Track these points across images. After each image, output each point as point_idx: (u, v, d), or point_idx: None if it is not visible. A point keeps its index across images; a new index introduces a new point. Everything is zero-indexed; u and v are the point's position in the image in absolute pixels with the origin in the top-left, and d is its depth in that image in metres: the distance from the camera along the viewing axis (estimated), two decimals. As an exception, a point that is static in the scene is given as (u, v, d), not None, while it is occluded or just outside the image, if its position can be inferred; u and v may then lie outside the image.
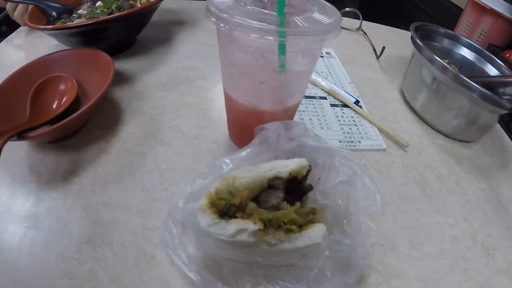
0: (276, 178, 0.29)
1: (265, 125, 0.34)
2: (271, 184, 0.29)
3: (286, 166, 0.30)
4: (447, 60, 0.63)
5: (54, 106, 0.49)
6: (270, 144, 0.33)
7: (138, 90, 0.56)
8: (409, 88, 0.62)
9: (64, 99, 0.49)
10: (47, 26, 0.55)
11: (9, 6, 0.78)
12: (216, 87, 0.58)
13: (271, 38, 0.28)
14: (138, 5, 0.66)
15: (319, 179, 0.32)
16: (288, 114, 0.41)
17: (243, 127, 0.43)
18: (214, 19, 0.30)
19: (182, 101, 0.55)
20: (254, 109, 0.38)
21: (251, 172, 0.29)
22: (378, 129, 0.55)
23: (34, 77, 0.49)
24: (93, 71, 0.51)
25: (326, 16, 0.32)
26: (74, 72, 0.51)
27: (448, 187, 0.48)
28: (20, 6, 0.78)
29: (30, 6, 0.67)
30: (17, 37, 0.79)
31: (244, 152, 0.32)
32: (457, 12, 1.30)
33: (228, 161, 0.32)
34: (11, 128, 0.39)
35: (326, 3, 0.36)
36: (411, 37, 0.59)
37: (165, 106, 0.54)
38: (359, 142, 0.52)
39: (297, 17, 0.31)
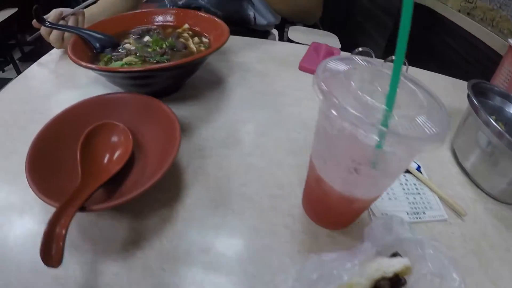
0: (383, 278, 0.30)
1: (372, 224, 0.34)
2: (377, 285, 0.30)
3: (391, 266, 0.30)
4: (494, 117, 0.61)
5: (106, 160, 0.45)
6: (375, 241, 0.33)
7: (197, 145, 0.53)
8: (461, 148, 0.60)
9: (117, 154, 0.45)
10: (94, 66, 0.51)
11: (43, 29, 0.76)
12: (281, 148, 0.55)
13: (371, 135, 0.27)
14: (190, 43, 0.64)
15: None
16: (374, 201, 0.40)
17: (328, 209, 0.41)
18: (321, 97, 0.29)
19: (247, 162, 0.52)
20: (345, 196, 0.36)
21: (362, 277, 0.29)
22: (438, 197, 0.53)
23: (82, 123, 0.46)
24: (149, 121, 0.48)
25: (432, 121, 0.30)
26: (126, 119, 0.48)
27: (500, 255, 0.45)
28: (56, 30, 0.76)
29: (72, 35, 0.65)
30: (51, 60, 0.78)
31: (356, 260, 0.31)
32: (494, 56, 1.29)
33: (345, 273, 0.30)
34: (70, 201, 0.34)
35: (435, 98, 0.34)
36: (468, 95, 0.57)
37: (230, 167, 0.50)
38: (424, 213, 0.50)
39: (401, 118, 0.29)
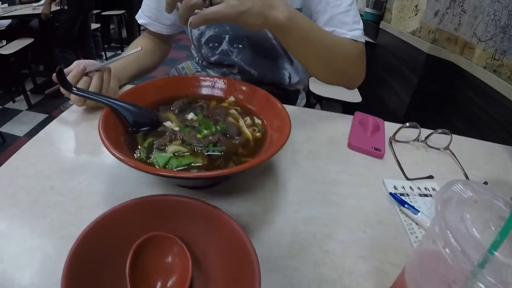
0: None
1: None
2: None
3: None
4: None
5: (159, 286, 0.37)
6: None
7: (261, 255, 0.44)
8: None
9: (172, 280, 0.37)
10: (139, 165, 0.42)
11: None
12: (350, 253, 0.48)
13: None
14: (244, 127, 0.58)
15: None
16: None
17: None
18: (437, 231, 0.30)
19: (319, 275, 0.44)
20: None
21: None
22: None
23: (125, 232, 0.38)
24: (211, 236, 0.40)
25: None
26: (181, 230, 0.40)
27: None
28: (79, 86, 0.71)
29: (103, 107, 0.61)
30: (71, 120, 0.74)
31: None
32: None
33: None
34: None
35: None
36: None
37: (301, 283, 0.43)
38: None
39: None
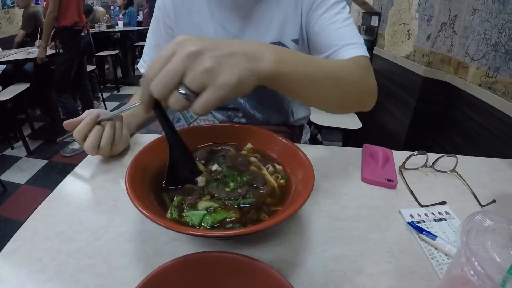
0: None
1: None
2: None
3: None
4: None
5: None
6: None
7: None
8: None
9: None
10: (178, 226, 0.44)
11: (77, 133, 0.70)
12: (379, 284, 0.50)
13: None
14: (267, 176, 0.60)
15: None
16: None
17: None
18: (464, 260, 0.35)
19: None
20: None
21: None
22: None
23: None
24: (249, 285, 0.41)
25: None
26: (222, 285, 0.41)
27: None
28: (92, 134, 0.70)
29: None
30: (85, 172, 0.74)
31: None
32: None
33: None
34: None
35: None
36: None
37: None
38: None
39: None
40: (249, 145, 0.70)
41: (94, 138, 0.70)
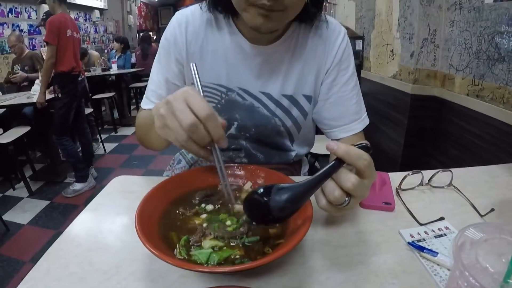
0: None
1: None
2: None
3: None
4: None
5: None
6: None
7: None
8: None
9: None
10: (190, 265, 0.48)
11: None
12: None
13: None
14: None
15: None
16: None
17: None
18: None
19: None
20: None
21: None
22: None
23: None
24: None
25: None
26: None
27: None
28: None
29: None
30: (92, 215, 0.75)
31: None
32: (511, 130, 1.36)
33: None
34: None
35: None
36: None
37: None
38: None
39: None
40: (248, 185, 0.73)
41: None
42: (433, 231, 0.68)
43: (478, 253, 0.39)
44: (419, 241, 0.64)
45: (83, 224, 0.76)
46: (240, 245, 0.56)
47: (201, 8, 0.91)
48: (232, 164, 0.77)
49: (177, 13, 0.96)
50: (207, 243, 0.56)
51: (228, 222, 0.60)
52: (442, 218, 0.71)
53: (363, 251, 0.63)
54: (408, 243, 0.63)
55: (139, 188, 0.86)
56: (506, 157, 1.39)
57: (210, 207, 0.66)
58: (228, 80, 0.93)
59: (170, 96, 0.60)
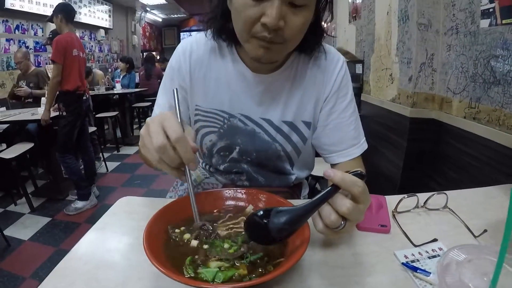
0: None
1: None
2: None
3: None
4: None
5: None
6: None
7: None
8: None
9: None
10: (200, 283, 0.51)
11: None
12: None
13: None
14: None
15: None
16: None
17: None
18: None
19: None
20: None
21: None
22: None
23: None
24: None
25: None
26: None
27: None
28: None
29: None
30: (99, 233, 0.74)
31: None
32: (508, 152, 1.38)
33: None
34: None
35: None
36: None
37: None
38: None
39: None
40: (250, 207, 0.76)
41: None
42: (427, 252, 0.70)
43: (462, 273, 0.42)
44: (413, 261, 0.67)
45: (90, 242, 0.78)
46: (247, 264, 0.60)
47: (206, 36, 0.95)
48: (234, 188, 0.81)
49: (182, 41, 1.02)
50: (213, 263, 0.59)
51: (226, 245, 0.63)
52: (435, 240, 0.73)
53: (359, 271, 0.66)
54: (402, 263, 0.66)
55: (144, 209, 0.90)
56: (503, 178, 1.40)
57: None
58: (231, 107, 0.97)
59: (149, 119, 0.67)
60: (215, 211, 0.77)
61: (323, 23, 0.91)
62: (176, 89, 0.72)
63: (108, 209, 0.89)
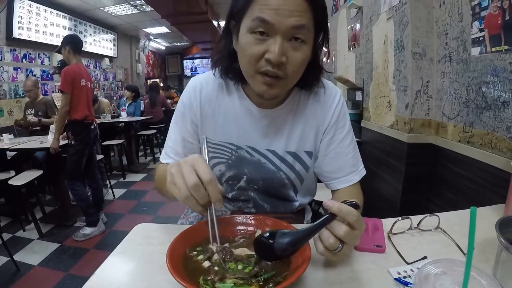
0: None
1: None
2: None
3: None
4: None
5: None
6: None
7: None
8: (504, 279, 0.67)
9: None
10: None
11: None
12: None
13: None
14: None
15: None
16: None
17: None
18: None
19: None
20: None
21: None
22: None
23: None
24: None
25: None
26: None
27: None
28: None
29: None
30: (113, 268, 0.81)
31: None
32: (501, 174, 1.41)
33: None
34: None
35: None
36: (497, 235, 0.68)
37: None
38: None
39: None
40: (258, 232, 0.83)
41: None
42: (418, 268, 0.76)
43: (437, 284, 0.50)
44: (405, 277, 0.74)
45: (112, 266, 0.84)
46: (261, 282, 0.66)
47: (214, 75, 1.05)
48: (244, 215, 0.89)
49: (192, 79, 1.11)
50: (229, 280, 0.66)
51: (240, 267, 0.71)
52: (425, 257, 0.80)
53: (356, 287, 0.73)
54: (395, 279, 0.73)
55: (159, 234, 0.97)
56: (497, 198, 1.41)
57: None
58: (238, 139, 1.06)
59: (181, 160, 0.75)
60: (230, 235, 0.84)
61: (320, 58, 1.01)
62: (206, 137, 0.83)
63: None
